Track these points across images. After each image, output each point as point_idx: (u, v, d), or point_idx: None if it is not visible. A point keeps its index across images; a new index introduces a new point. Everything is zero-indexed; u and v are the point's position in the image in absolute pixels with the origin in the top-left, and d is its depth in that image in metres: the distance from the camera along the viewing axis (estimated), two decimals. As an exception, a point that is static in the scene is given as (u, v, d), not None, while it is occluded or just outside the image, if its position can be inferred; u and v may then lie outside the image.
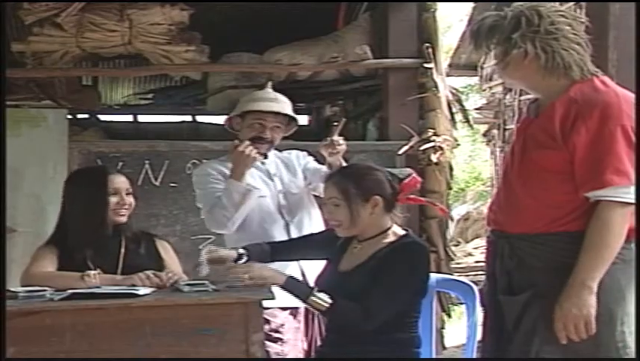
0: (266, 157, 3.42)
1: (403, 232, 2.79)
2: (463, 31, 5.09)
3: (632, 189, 2.27)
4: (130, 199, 3.05)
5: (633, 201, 2.27)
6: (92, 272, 2.78)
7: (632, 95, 2.35)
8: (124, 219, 3.03)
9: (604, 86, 2.38)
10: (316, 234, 3.16)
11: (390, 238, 2.75)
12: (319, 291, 2.61)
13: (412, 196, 2.87)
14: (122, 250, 3.00)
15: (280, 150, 3.56)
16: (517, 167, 2.44)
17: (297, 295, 2.64)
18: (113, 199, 3.00)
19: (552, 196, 2.36)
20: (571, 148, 2.30)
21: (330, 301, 2.59)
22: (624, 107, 2.30)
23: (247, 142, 3.23)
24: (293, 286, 2.66)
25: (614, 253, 2.27)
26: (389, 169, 2.85)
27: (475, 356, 3.07)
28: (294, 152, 3.60)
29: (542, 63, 2.37)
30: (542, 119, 2.41)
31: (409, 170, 2.89)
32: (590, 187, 2.29)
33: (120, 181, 3.05)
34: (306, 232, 3.31)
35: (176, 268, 3.06)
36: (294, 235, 3.31)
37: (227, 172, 3.23)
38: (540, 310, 2.35)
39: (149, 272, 2.78)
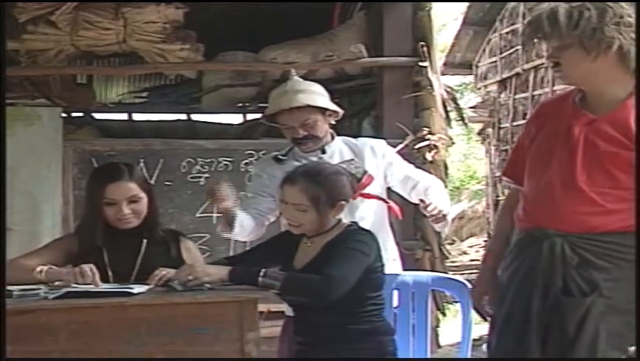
0: (324, 152, 3.19)
1: (349, 223, 2.79)
2: (458, 29, 5.08)
3: None
4: (136, 207, 2.91)
5: None
6: (44, 268, 2.72)
7: None
8: (131, 225, 2.92)
9: None
10: (271, 239, 2.98)
11: (339, 230, 2.75)
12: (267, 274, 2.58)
13: (365, 192, 2.85)
14: (142, 252, 2.93)
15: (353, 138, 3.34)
16: (580, 163, 2.29)
17: (248, 283, 2.58)
18: (110, 211, 2.90)
19: (621, 197, 2.26)
20: None
21: (282, 275, 2.57)
22: None
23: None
24: (240, 275, 2.61)
25: None
26: (345, 166, 2.83)
27: (469, 354, 3.08)
28: (369, 142, 3.33)
29: (626, 58, 2.25)
30: (610, 118, 2.29)
31: (363, 168, 2.87)
32: None
33: (119, 192, 2.89)
34: None
35: None
36: None
37: (280, 175, 2.93)
38: (604, 310, 2.25)
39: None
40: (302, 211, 2.70)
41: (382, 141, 3.37)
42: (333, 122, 3.24)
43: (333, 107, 3.20)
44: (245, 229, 3.10)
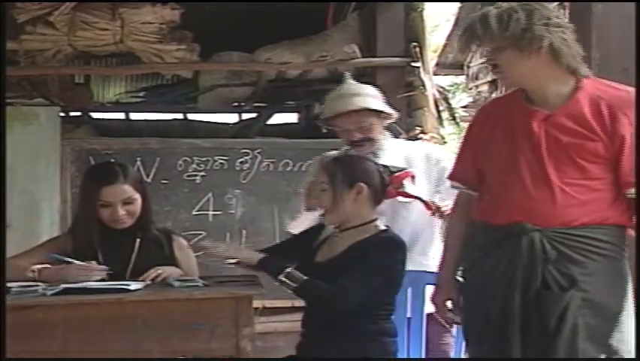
0: (376, 155, 3.13)
1: (383, 227, 2.78)
2: (450, 30, 5.08)
3: None
4: (130, 208, 2.92)
5: None
6: (38, 267, 2.74)
7: None
8: (125, 225, 2.93)
9: (613, 84, 2.41)
10: (302, 232, 3.00)
11: (371, 232, 2.74)
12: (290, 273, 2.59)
13: (402, 190, 2.85)
14: (136, 250, 2.94)
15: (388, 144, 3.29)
16: (547, 159, 2.34)
17: (270, 275, 2.61)
18: (105, 212, 2.91)
19: (591, 188, 2.32)
20: (617, 142, 2.28)
21: (302, 278, 2.57)
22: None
23: None
24: (266, 265, 2.64)
25: None
26: (388, 164, 2.83)
27: (463, 346, 3.08)
28: (425, 148, 3.36)
29: (558, 55, 2.33)
30: (565, 113, 2.35)
31: (405, 168, 2.88)
32: None
33: (115, 194, 2.90)
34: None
35: (189, 266, 3.00)
36: None
37: None
38: (582, 304, 2.28)
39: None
40: (322, 191, 2.71)
41: (440, 148, 3.38)
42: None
43: (388, 109, 3.21)
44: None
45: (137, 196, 2.95)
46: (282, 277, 2.56)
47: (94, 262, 2.76)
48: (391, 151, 3.21)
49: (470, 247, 2.53)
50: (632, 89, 2.39)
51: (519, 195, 2.37)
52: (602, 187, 2.32)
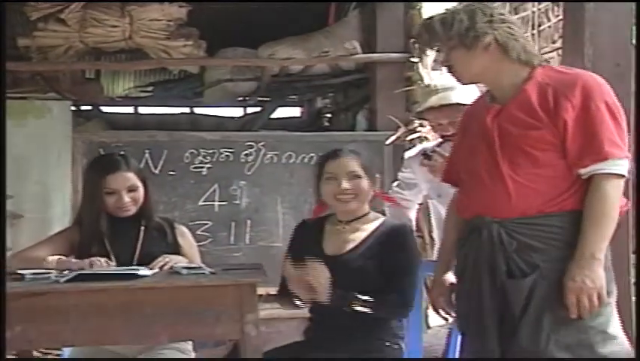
0: None
1: (382, 216, 2.79)
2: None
3: (626, 162, 2.25)
4: (134, 195, 2.91)
5: (626, 173, 2.25)
6: (54, 258, 2.73)
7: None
8: (130, 213, 2.91)
9: (567, 70, 2.39)
10: (295, 235, 2.91)
11: (378, 221, 2.75)
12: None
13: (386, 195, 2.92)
14: (141, 238, 2.93)
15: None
16: (499, 152, 2.32)
17: (340, 304, 2.58)
18: (110, 200, 2.88)
19: (545, 176, 2.29)
20: (561, 126, 2.25)
21: (370, 301, 2.59)
22: (602, 85, 2.29)
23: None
24: (337, 299, 2.58)
25: (614, 225, 2.24)
26: None
27: (458, 334, 3.07)
28: None
29: (507, 49, 2.33)
30: (515, 104, 2.33)
31: None
32: (590, 161, 2.23)
33: (120, 182, 2.88)
34: None
35: (191, 253, 2.98)
36: None
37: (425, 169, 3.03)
38: (546, 291, 2.25)
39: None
40: (358, 178, 2.70)
41: None
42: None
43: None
44: None
45: (140, 184, 2.94)
46: (358, 308, 2.58)
47: (103, 259, 2.74)
48: None
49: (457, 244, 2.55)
50: (584, 72, 2.39)
51: (479, 190, 2.38)
52: (556, 174, 2.28)
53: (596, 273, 2.21)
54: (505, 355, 2.30)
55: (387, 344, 2.71)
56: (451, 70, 2.44)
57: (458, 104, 3.00)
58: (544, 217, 2.29)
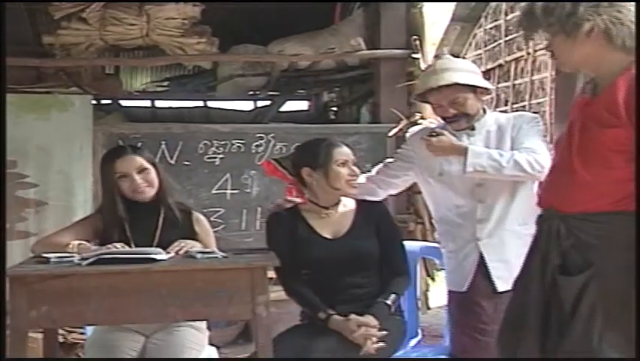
0: (473, 129, 2.88)
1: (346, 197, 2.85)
2: (447, 25, 5.05)
3: None
4: (146, 177, 2.90)
5: None
6: (75, 243, 2.74)
7: None
8: (146, 195, 2.90)
9: None
10: (277, 230, 2.88)
11: (351, 202, 2.82)
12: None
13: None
14: (160, 224, 2.93)
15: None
16: (576, 146, 2.13)
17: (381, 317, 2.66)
18: (124, 184, 2.88)
19: (614, 175, 2.06)
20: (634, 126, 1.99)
21: (392, 303, 2.70)
22: None
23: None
24: (379, 311, 2.68)
25: None
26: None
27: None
28: (518, 116, 2.94)
29: (610, 36, 2.06)
30: (604, 97, 2.09)
31: None
32: None
33: (128, 164, 2.88)
34: (500, 217, 2.82)
35: (207, 240, 2.97)
36: (482, 217, 2.85)
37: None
38: (599, 291, 2.06)
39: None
40: (356, 166, 2.79)
41: (530, 115, 2.97)
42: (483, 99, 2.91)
43: (484, 83, 2.86)
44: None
45: (150, 167, 2.93)
46: (392, 311, 2.70)
47: (120, 244, 2.74)
48: (487, 125, 2.91)
49: None
50: None
51: (550, 183, 2.27)
52: (625, 177, 2.03)
53: None
54: (548, 354, 2.14)
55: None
56: (553, 57, 2.23)
57: (457, 84, 2.80)
58: (605, 215, 2.09)
